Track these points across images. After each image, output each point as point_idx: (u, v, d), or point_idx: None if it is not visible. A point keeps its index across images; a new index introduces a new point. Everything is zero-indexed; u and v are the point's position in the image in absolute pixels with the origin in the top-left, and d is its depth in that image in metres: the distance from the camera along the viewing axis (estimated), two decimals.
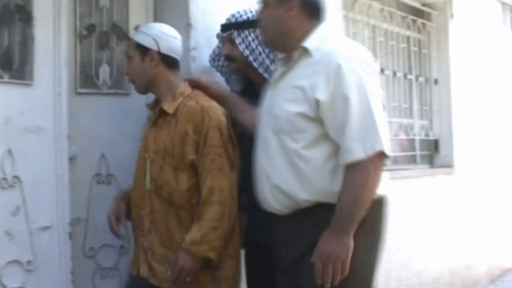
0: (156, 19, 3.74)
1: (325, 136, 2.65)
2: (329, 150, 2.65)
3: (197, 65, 3.55)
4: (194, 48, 3.57)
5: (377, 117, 2.59)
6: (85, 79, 3.53)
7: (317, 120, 2.64)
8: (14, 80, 3.04)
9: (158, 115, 3.13)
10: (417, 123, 6.28)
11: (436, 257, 5.95)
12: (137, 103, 3.58)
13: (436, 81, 6.55)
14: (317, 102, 2.61)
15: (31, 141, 3.10)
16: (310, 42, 2.73)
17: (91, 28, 3.56)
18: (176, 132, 3.03)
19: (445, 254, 6.10)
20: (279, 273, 2.86)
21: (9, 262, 3.00)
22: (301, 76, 2.70)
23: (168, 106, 3.08)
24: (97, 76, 3.60)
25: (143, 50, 3.13)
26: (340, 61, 2.61)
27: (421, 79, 6.39)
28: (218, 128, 3.00)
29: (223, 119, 3.04)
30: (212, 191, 2.95)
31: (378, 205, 2.73)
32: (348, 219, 2.56)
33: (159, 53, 3.12)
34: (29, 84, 3.10)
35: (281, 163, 2.73)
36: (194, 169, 3.02)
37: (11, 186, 3.01)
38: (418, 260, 5.59)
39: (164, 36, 3.15)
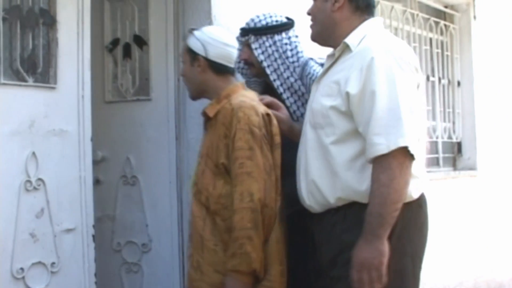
0: (178, 23, 3.77)
1: (355, 133, 2.58)
2: (359, 148, 2.58)
3: None
4: None
5: (405, 113, 2.49)
6: (112, 89, 3.85)
7: (348, 114, 2.59)
8: (38, 84, 3.06)
9: (205, 119, 3.08)
10: (440, 125, 6.24)
11: (460, 260, 5.91)
12: (158, 108, 3.75)
13: (459, 83, 6.51)
14: (347, 95, 2.57)
15: (55, 144, 3.13)
16: (351, 38, 2.70)
17: (116, 42, 3.84)
18: (214, 136, 2.96)
19: (468, 257, 6.06)
20: (320, 272, 2.80)
21: (34, 264, 3.02)
22: (339, 70, 2.67)
23: (210, 109, 3.02)
24: (121, 85, 3.87)
25: (192, 55, 3.07)
26: (374, 54, 2.55)
27: (444, 81, 6.36)
28: (248, 129, 2.86)
29: (255, 119, 2.88)
30: (242, 198, 2.80)
31: (409, 208, 2.59)
32: (378, 223, 2.46)
33: (206, 59, 3.04)
34: (53, 88, 3.13)
35: (317, 158, 2.68)
36: (229, 175, 2.90)
37: (35, 188, 3.04)
38: (442, 263, 5.55)
39: (213, 42, 3.05)
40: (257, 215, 2.79)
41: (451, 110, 6.42)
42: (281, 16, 3.38)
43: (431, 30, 6.18)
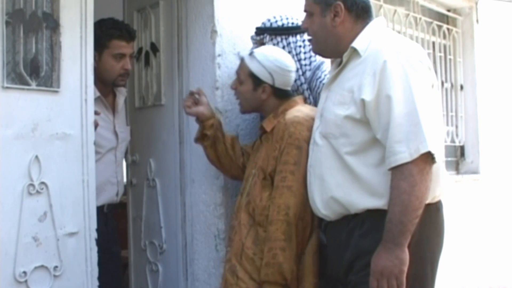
0: (181, 26, 3.77)
1: (373, 141, 2.55)
2: (379, 156, 2.54)
3: (222, 72, 3.56)
4: (219, 55, 3.58)
5: (423, 116, 2.44)
6: (139, 96, 4.11)
7: (364, 122, 2.55)
8: (41, 87, 3.06)
9: (261, 132, 3.17)
10: (443, 129, 6.23)
11: (462, 264, 5.90)
12: (168, 113, 3.85)
13: (462, 87, 6.51)
14: (362, 102, 2.52)
15: (58, 148, 3.12)
16: (358, 42, 2.66)
17: (140, 50, 4.00)
18: (269, 149, 3.04)
19: (471, 261, 6.05)
20: (332, 278, 2.80)
21: (36, 268, 3.02)
22: (350, 77, 2.63)
23: (267, 124, 3.11)
24: (140, 92, 4.07)
25: (256, 80, 3.14)
26: (386, 57, 2.51)
27: (447, 85, 6.35)
28: (297, 144, 2.93)
29: (305, 134, 2.94)
30: (279, 210, 2.89)
31: (427, 211, 2.55)
32: (399, 231, 2.42)
33: (272, 87, 3.13)
34: (56, 91, 3.12)
35: (332, 168, 2.65)
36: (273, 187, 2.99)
37: (38, 192, 3.03)
38: (444, 267, 5.54)
39: (281, 71, 3.13)
40: (291, 228, 2.87)
41: (454, 114, 6.42)
42: (297, 19, 3.38)
43: (433, 34, 6.19)
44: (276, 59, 3.16)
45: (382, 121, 2.49)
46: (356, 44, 2.66)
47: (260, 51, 3.21)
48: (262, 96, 3.15)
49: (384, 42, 2.62)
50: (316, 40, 2.83)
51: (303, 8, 2.85)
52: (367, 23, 2.74)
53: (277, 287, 2.89)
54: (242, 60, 3.24)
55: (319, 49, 2.87)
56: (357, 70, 2.60)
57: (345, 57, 2.70)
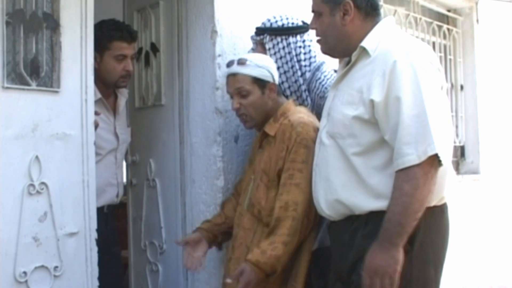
0: (181, 26, 3.78)
1: (381, 142, 2.53)
2: (386, 157, 2.52)
3: (222, 72, 3.56)
4: (220, 55, 3.58)
5: (432, 118, 2.42)
6: (139, 96, 4.14)
7: (372, 123, 2.53)
8: (41, 88, 3.06)
9: (262, 137, 3.18)
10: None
11: (462, 264, 5.90)
12: (168, 113, 3.87)
13: (462, 87, 6.51)
14: (372, 103, 2.50)
15: (58, 148, 3.12)
16: (368, 41, 2.64)
17: (140, 50, 4.08)
18: (273, 152, 3.06)
19: (471, 261, 6.04)
20: (334, 279, 2.79)
21: (37, 268, 3.02)
22: (359, 77, 2.61)
23: (270, 128, 3.13)
24: (140, 92, 4.09)
25: (261, 83, 3.14)
26: (396, 58, 2.49)
27: (447, 85, 6.35)
28: (305, 144, 2.96)
29: (312, 134, 2.98)
30: (286, 206, 2.90)
31: (432, 214, 2.54)
32: (396, 231, 2.41)
33: (274, 84, 3.16)
34: (56, 91, 3.12)
35: (339, 169, 2.64)
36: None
37: (38, 192, 3.03)
38: (444, 267, 5.54)
39: (272, 65, 3.19)
40: (297, 224, 2.89)
41: (454, 114, 6.42)
42: (297, 19, 3.38)
43: (434, 34, 6.19)
44: (261, 57, 3.21)
45: (390, 122, 2.47)
46: (365, 43, 2.64)
47: (245, 58, 3.17)
48: (270, 96, 3.16)
49: (394, 42, 2.60)
50: (326, 40, 2.81)
51: (311, 9, 2.83)
52: (376, 22, 2.73)
53: (261, 274, 2.88)
54: (233, 75, 3.17)
55: (329, 49, 2.84)
56: (366, 70, 2.58)
57: (354, 56, 2.68)
